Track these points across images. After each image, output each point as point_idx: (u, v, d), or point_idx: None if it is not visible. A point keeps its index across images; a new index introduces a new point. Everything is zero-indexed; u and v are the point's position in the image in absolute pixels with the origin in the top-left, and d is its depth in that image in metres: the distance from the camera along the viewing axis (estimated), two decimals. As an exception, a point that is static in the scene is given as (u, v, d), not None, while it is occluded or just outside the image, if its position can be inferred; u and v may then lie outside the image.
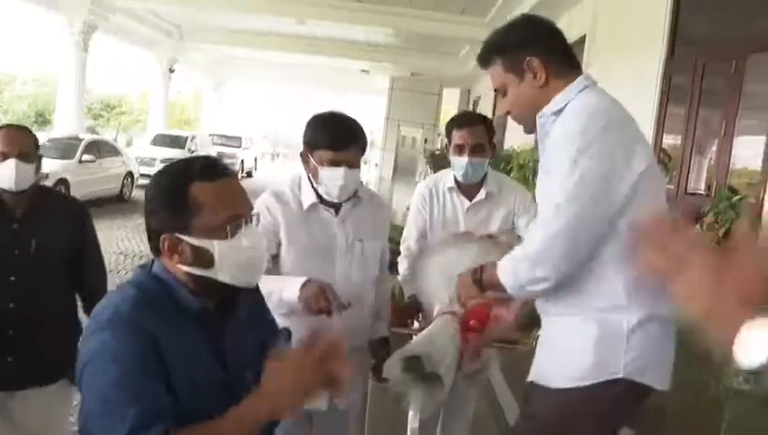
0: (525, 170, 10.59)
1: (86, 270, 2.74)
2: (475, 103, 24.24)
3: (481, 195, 3.10)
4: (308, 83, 33.58)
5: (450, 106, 30.03)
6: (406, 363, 2.14)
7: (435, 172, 16.08)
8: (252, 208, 1.56)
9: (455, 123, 3.18)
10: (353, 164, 2.34)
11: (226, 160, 14.94)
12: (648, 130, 6.48)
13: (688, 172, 6.11)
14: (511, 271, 1.91)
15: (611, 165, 1.78)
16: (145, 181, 15.81)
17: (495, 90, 2.08)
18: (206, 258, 1.45)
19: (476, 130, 3.06)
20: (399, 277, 3.27)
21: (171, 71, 22.06)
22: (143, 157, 16.17)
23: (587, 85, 1.96)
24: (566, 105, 1.90)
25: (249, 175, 24.97)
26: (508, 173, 11.82)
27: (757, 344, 0.96)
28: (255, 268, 1.56)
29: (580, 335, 1.87)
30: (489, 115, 17.09)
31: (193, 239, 1.44)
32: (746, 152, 5.64)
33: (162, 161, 16.45)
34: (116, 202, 13.38)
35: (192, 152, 17.98)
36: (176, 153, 16.97)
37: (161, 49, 20.89)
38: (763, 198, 4.89)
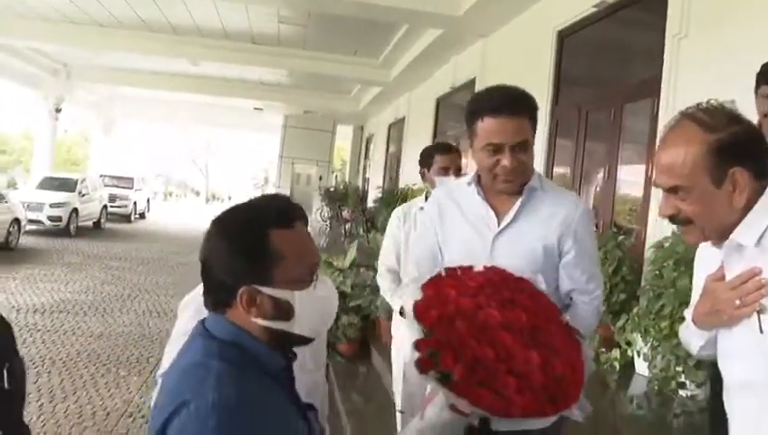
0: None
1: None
2: (369, 140, 24.68)
3: None
4: (201, 122, 33.17)
5: (344, 143, 30.41)
6: None
7: (331, 209, 16.36)
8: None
9: (437, 150, 3.78)
10: None
11: (119, 202, 14.60)
12: (540, 162, 6.93)
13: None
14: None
15: None
16: (33, 227, 15.21)
17: (519, 141, 2.11)
18: (285, 310, 1.36)
19: (455, 157, 3.69)
20: (385, 292, 3.68)
21: (58, 110, 21.33)
22: (30, 202, 15.44)
23: None
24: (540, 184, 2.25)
25: (142, 216, 24.36)
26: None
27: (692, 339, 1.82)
28: (330, 318, 1.50)
29: None
30: (383, 154, 17.37)
31: (273, 291, 1.34)
32: (629, 180, 6.13)
33: (51, 206, 15.86)
34: (1, 251, 12.71)
35: (83, 195, 17.38)
36: (65, 197, 16.39)
37: (47, 88, 20.20)
38: (645, 232, 5.34)
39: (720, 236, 1.60)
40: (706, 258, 1.75)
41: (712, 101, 1.60)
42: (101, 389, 5.60)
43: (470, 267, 1.85)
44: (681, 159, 1.54)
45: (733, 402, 1.67)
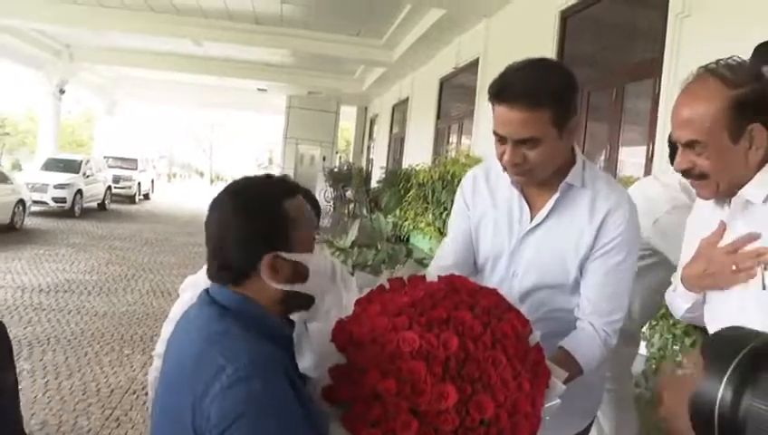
0: (425, 189, 10.92)
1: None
2: (373, 121, 24.65)
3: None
4: (205, 103, 33.12)
5: (348, 124, 30.37)
6: None
7: (335, 190, 16.36)
8: None
9: None
10: None
11: (123, 183, 14.63)
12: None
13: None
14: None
15: None
16: (38, 208, 15.27)
17: (525, 138, 1.76)
18: (302, 273, 1.45)
19: None
20: None
21: (62, 91, 21.34)
22: (34, 183, 15.48)
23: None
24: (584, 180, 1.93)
25: (147, 197, 24.42)
26: (408, 191, 12.17)
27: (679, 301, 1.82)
28: (331, 277, 1.57)
29: None
30: (387, 135, 17.23)
31: (292, 255, 1.43)
32: (631, 161, 6.14)
33: (56, 187, 15.90)
34: (7, 232, 12.79)
35: (87, 177, 17.42)
36: (70, 178, 16.43)
37: (50, 69, 20.18)
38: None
39: (731, 191, 1.60)
40: (704, 219, 1.74)
41: (735, 58, 1.59)
42: (105, 366, 5.66)
43: (422, 277, 1.65)
44: (702, 114, 1.53)
45: None
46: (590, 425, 2.15)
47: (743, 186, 1.57)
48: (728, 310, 1.63)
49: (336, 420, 1.38)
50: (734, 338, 0.91)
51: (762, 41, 2.99)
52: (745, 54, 3.09)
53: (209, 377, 1.27)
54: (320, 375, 1.48)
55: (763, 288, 1.52)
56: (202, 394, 1.27)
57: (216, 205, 1.45)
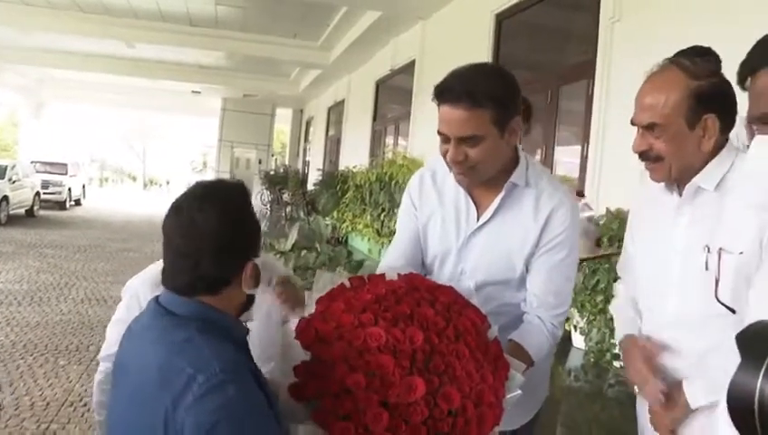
0: (363, 191, 10.94)
1: None
2: (308, 123, 24.57)
3: None
4: (137, 105, 32.41)
5: (283, 126, 30.17)
6: None
7: (271, 193, 16.17)
8: None
9: None
10: None
11: (52, 189, 14.09)
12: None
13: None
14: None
15: None
16: (-38, 216, 14.64)
17: (465, 136, 1.81)
18: (260, 275, 1.45)
19: None
20: None
21: (-16, 94, 20.59)
22: (-43, 190, 14.90)
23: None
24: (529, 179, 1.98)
25: (78, 203, 23.72)
26: (345, 192, 12.17)
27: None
28: None
29: None
30: (323, 137, 17.25)
31: (258, 259, 1.43)
32: (566, 161, 6.28)
33: (-20, 194, 15.29)
34: (-71, 240, 12.30)
35: (13, 182, 16.81)
36: (-5, 184, 15.82)
37: (-30, 71, 19.48)
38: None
39: (682, 175, 1.73)
40: (653, 201, 1.88)
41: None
42: (40, 379, 5.48)
43: (382, 276, 1.68)
44: (663, 99, 1.67)
45: (659, 338, 1.83)
46: (538, 414, 2.22)
47: (692, 171, 1.71)
48: (672, 286, 1.78)
49: (305, 417, 1.39)
50: (766, 330, 0.95)
51: (685, 46, 3.15)
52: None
53: (180, 388, 1.24)
54: (281, 374, 1.49)
55: (706, 269, 1.66)
56: (174, 406, 1.23)
57: (182, 214, 1.38)
